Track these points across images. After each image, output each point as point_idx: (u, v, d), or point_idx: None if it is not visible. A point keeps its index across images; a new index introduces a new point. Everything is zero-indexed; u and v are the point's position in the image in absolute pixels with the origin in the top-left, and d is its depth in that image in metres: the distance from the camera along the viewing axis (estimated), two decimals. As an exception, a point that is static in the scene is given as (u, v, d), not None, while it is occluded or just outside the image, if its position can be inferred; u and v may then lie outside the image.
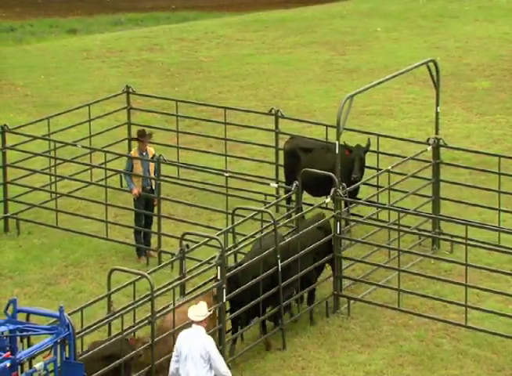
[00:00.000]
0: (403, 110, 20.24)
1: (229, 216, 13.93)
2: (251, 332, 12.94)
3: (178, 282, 12.20)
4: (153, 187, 14.86)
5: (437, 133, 15.37)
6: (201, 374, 10.69)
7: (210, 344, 10.81)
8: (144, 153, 15.00)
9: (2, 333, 10.12)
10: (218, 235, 12.63)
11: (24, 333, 10.32)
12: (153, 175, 14.88)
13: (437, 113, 15.43)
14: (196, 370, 10.68)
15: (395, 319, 13.40)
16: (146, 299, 11.61)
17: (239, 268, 12.42)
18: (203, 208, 15.28)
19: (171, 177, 16.19)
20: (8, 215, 15.81)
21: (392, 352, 12.78)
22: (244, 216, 13.50)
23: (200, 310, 10.86)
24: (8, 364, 9.79)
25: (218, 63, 23.37)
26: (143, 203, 14.90)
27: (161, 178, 14.98)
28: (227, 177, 15.30)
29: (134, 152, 15.14)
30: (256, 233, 13.50)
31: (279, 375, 12.37)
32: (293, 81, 22.10)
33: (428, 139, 15.29)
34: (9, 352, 9.98)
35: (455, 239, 14.32)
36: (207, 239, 12.76)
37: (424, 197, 15.31)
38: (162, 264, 13.16)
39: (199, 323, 10.84)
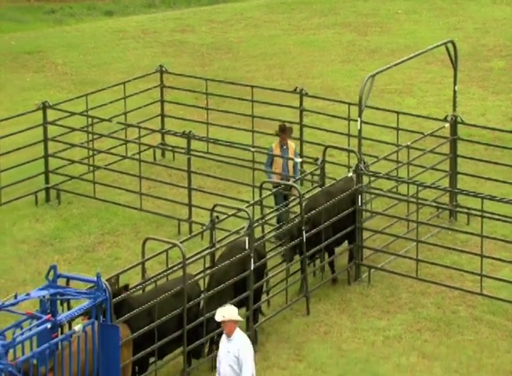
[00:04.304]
0: (422, 88, 20.11)
1: (256, 189, 13.92)
2: (277, 299, 12.94)
3: (208, 251, 12.21)
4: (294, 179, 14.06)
5: (454, 111, 15.26)
6: (237, 374, 10.13)
7: (244, 347, 10.06)
8: (284, 147, 14.45)
9: (44, 297, 10.18)
10: (246, 207, 12.61)
11: (64, 297, 10.38)
12: (291, 169, 14.27)
13: (454, 91, 15.30)
14: (231, 371, 10.13)
15: (414, 288, 13.36)
16: (178, 266, 11.62)
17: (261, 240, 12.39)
18: (232, 182, 15.26)
19: (200, 151, 16.18)
20: (49, 186, 15.88)
21: (410, 318, 12.75)
22: (271, 190, 13.46)
23: (226, 311, 10.10)
24: (49, 326, 9.85)
25: (246, 43, 23.28)
26: (283, 196, 13.91)
27: (191, 152, 14.95)
28: (254, 152, 15.26)
29: (275, 146, 14.57)
30: (282, 205, 13.49)
31: (302, 339, 12.37)
32: (318, 60, 21.99)
33: (446, 116, 15.20)
34: (49, 315, 10.03)
35: (471, 211, 14.25)
36: (235, 210, 12.74)
37: (442, 172, 15.23)
38: (193, 234, 13.16)
39: (225, 324, 10.04)
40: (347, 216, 13.31)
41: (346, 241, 13.64)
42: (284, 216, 13.25)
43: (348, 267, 13.48)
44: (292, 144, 14.67)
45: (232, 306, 10.27)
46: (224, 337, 10.15)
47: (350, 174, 13.75)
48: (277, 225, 13.60)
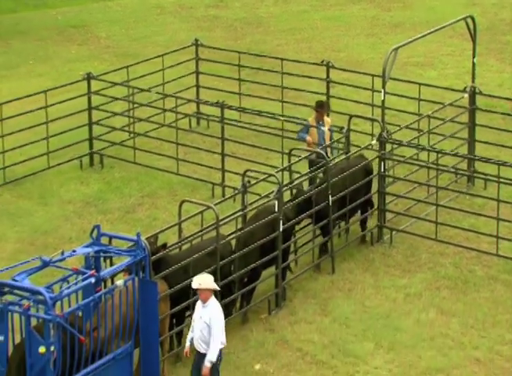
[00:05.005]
0: (443, 61, 19.90)
1: (285, 156, 13.83)
2: (304, 258, 12.90)
3: (240, 213, 12.17)
4: (328, 155, 13.58)
5: (473, 82, 15.06)
6: (206, 339, 9.88)
7: (215, 316, 9.81)
8: (320, 122, 14.15)
9: (88, 254, 10.21)
10: (276, 172, 12.54)
11: (107, 254, 10.40)
12: (328, 142, 13.93)
13: (473, 64, 15.08)
14: (202, 336, 9.90)
15: (433, 248, 13.26)
16: (211, 227, 11.59)
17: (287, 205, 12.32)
18: (262, 148, 15.18)
19: (233, 120, 16.07)
20: (93, 151, 15.89)
21: (430, 277, 12.67)
22: (299, 156, 13.38)
23: (202, 279, 9.87)
24: (93, 281, 9.88)
25: (277, 18, 23.08)
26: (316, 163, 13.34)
27: (224, 121, 14.87)
28: (283, 121, 15.14)
29: (311, 120, 14.29)
30: (309, 171, 13.39)
31: (328, 295, 12.33)
32: (344, 35, 21.78)
33: (465, 87, 15.04)
34: (93, 271, 10.06)
35: (488, 177, 14.07)
36: (266, 175, 12.67)
37: (461, 140, 15.08)
38: (226, 197, 13.12)
39: (201, 292, 9.84)
40: (360, 189, 13.09)
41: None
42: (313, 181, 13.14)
43: (361, 235, 13.31)
44: (328, 120, 14.40)
45: (209, 275, 10.03)
46: (199, 303, 9.93)
47: (373, 142, 13.62)
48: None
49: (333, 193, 12.68)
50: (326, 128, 14.33)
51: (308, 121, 14.43)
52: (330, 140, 14.12)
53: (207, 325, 9.80)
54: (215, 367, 9.97)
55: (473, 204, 14.23)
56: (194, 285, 9.87)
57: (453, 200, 14.24)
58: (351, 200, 13.00)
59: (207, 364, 9.81)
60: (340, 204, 12.89)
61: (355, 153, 13.62)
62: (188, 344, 10.06)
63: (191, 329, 10.05)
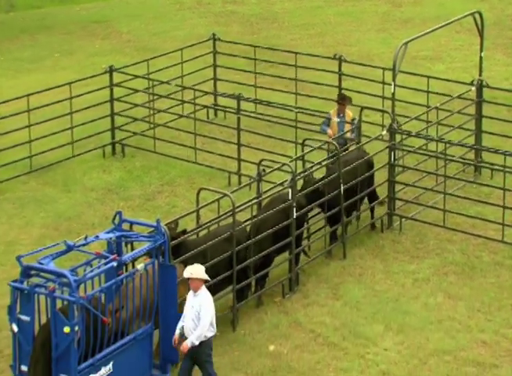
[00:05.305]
0: (451, 55, 19.76)
1: (299, 146, 13.77)
2: (316, 245, 12.85)
3: (256, 200, 12.13)
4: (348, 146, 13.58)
5: (480, 75, 14.95)
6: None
7: (206, 305, 9.69)
8: (341, 115, 14.02)
9: (110, 239, 10.20)
10: (289, 161, 12.48)
11: (128, 239, 10.39)
12: (348, 134, 13.75)
13: (480, 58, 14.96)
14: (194, 325, 9.70)
15: (441, 235, 13.19)
16: (228, 214, 11.57)
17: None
18: (277, 139, 15.13)
19: (249, 111, 16.05)
20: (115, 141, 15.88)
21: (438, 262, 12.60)
22: (312, 146, 13.32)
23: (194, 270, 9.73)
24: (115, 265, 9.88)
25: (291, 14, 22.98)
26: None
27: (240, 112, 14.82)
28: (297, 112, 15.08)
29: (333, 112, 14.15)
30: (322, 160, 13.33)
31: (339, 280, 12.29)
32: (355, 30, 21.65)
33: (472, 80, 14.93)
34: (115, 255, 10.06)
35: (494, 167, 13.96)
36: (280, 165, 12.62)
37: (468, 131, 14.98)
38: (242, 185, 13.09)
39: (192, 281, 9.71)
40: (364, 180, 12.97)
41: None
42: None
43: (370, 223, 13.22)
44: (349, 113, 14.24)
45: (200, 265, 9.87)
46: (190, 292, 9.82)
47: (384, 132, 13.54)
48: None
49: (337, 183, 12.55)
50: (337, 119, 14.23)
51: (329, 113, 14.32)
52: (352, 132, 13.88)
53: (198, 313, 9.67)
54: (208, 354, 9.70)
55: (479, 192, 14.13)
56: (185, 274, 9.74)
57: (461, 188, 14.15)
58: (354, 191, 12.89)
59: (187, 343, 9.59)
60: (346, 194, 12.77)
61: (364, 143, 13.54)
62: (177, 332, 9.84)
63: (182, 318, 9.90)
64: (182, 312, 10.65)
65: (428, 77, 15.65)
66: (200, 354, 9.75)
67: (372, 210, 13.45)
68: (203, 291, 9.81)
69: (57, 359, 9.44)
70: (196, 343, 9.68)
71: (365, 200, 13.40)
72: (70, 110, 15.44)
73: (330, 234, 12.90)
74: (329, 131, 14.01)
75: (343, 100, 14.16)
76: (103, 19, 23.02)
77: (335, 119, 14.13)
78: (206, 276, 9.81)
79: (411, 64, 18.34)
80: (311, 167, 12.86)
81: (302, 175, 12.54)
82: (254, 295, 11.75)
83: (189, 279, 9.80)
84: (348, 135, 13.90)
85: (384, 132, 13.53)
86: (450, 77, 17.30)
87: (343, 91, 16.06)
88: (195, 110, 16.13)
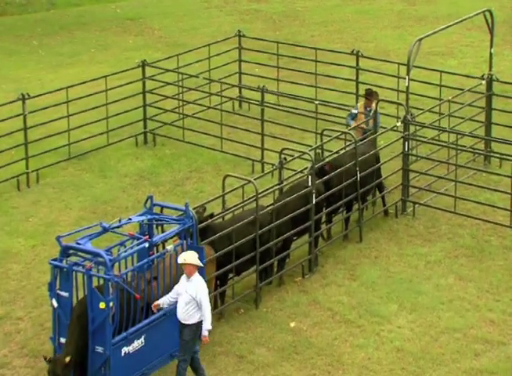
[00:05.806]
0: (462, 51, 19.57)
1: (318, 136, 13.71)
2: (334, 229, 12.81)
3: (278, 187, 12.10)
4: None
5: (490, 70, 14.80)
6: (189, 311, 9.59)
7: (201, 290, 9.57)
8: (368, 109, 13.87)
9: (142, 221, 10.23)
10: (309, 150, 12.44)
11: (159, 222, 10.41)
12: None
13: (490, 53, 14.81)
14: (185, 307, 9.58)
15: (452, 220, 13.10)
16: (252, 199, 11.55)
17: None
18: (298, 129, 15.08)
19: (272, 103, 16.02)
20: (147, 130, 15.90)
21: (449, 246, 12.52)
22: (330, 136, 13.26)
23: (187, 256, 9.58)
24: (146, 245, 9.91)
25: (311, 12, 22.86)
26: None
27: (264, 104, 14.76)
28: (317, 104, 15.02)
29: (360, 106, 14.05)
30: (340, 149, 13.27)
31: (356, 262, 12.26)
32: (372, 27, 21.50)
33: (483, 74, 14.82)
34: (147, 236, 10.09)
35: (503, 156, 13.89)
36: (300, 153, 12.58)
37: (478, 122, 14.85)
38: (265, 172, 13.07)
39: (186, 266, 9.54)
40: (372, 173, 12.80)
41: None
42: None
43: (383, 209, 13.14)
44: (374, 107, 13.84)
45: (194, 252, 9.73)
46: (184, 277, 9.70)
47: (398, 123, 13.46)
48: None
49: (347, 173, 12.41)
50: (355, 110, 14.11)
51: (356, 106, 14.22)
52: (376, 125, 13.64)
53: (193, 298, 9.54)
54: (190, 338, 9.56)
55: (489, 180, 14.01)
56: (179, 260, 9.64)
57: (471, 176, 14.04)
58: (361, 181, 12.73)
59: (205, 333, 9.53)
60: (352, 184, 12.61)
61: (380, 134, 13.43)
62: (160, 301, 9.67)
63: (171, 294, 9.69)
64: (209, 289, 10.70)
65: (441, 71, 15.52)
66: (184, 334, 9.63)
67: (383, 198, 13.36)
68: (197, 277, 9.69)
69: (93, 333, 9.51)
70: (210, 327, 9.61)
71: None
72: (105, 102, 15.47)
73: (345, 220, 12.81)
74: (354, 124, 13.91)
75: (369, 95, 14.05)
76: (137, 17, 23.02)
77: (354, 111, 14.00)
78: (199, 263, 9.69)
79: (424, 59, 18.19)
80: (331, 154, 12.78)
81: (320, 164, 12.42)
82: (276, 275, 11.75)
83: (182, 264, 9.62)
84: (370, 124, 13.76)
85: (399, 124, 13.44)
86: (461, 71, 17.15)
87: (360, 84, 15.98)
88: (221, 102, 16.13)
